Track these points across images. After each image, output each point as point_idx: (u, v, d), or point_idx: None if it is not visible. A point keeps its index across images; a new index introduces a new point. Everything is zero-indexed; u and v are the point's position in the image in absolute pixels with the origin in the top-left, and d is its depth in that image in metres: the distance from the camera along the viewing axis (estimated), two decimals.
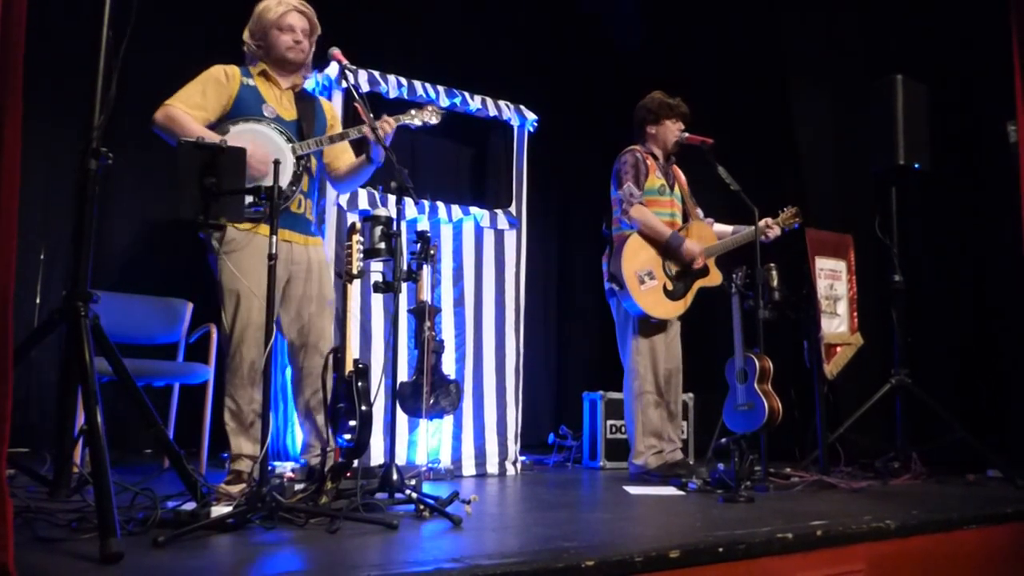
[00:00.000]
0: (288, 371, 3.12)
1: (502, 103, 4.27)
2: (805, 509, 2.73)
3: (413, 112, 3.14)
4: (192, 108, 2.83)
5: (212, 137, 2.66)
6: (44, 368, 4.06)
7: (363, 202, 3.74)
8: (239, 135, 2.82)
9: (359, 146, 3.16)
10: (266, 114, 2.93)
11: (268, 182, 2.72)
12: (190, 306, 4.07)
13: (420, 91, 3.98)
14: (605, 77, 6.32)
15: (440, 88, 4.07)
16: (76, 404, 2.18)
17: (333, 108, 3.27)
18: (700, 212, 4.17)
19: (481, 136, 4.63)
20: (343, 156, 3.19)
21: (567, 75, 6.27)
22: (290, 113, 3.00)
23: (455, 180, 4.93)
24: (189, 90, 2.87)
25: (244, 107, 2.90)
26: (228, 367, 2.82)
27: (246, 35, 3.04)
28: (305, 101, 3.08)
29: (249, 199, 2.62)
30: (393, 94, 3.89)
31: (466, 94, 4.13)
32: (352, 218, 3.56)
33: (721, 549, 2.00)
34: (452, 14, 5.73)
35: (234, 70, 2.97)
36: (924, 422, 4.05)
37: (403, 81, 3.95)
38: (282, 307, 2.95)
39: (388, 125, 2.98)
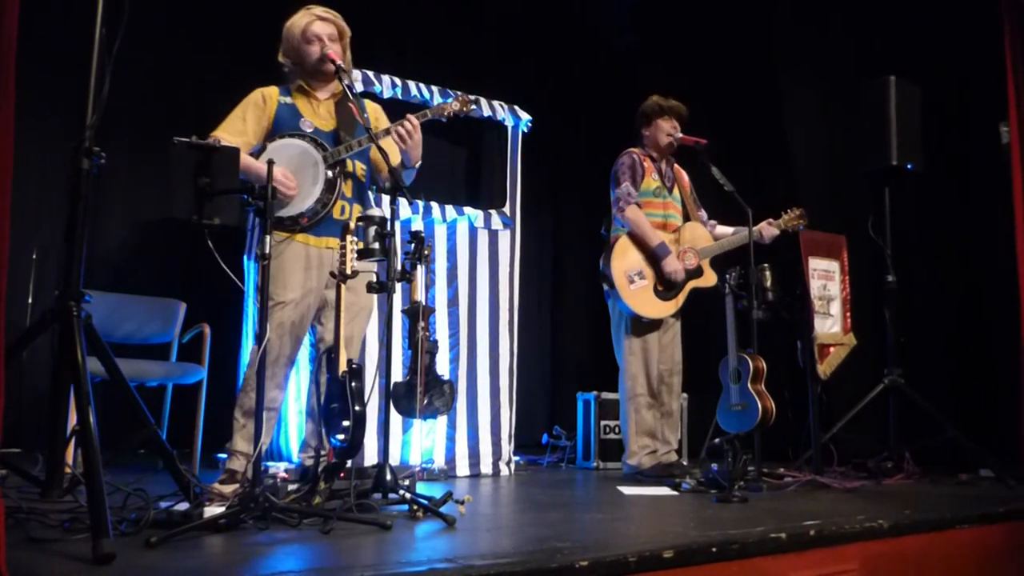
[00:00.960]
0: (294, 373, 3.14)
1: (496, 103, 4.27)
2: (798, 509, 2.74)
3: (440, 104, 3.17)
4: (234, 135, 2.90)
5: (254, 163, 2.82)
6: (36, 368, 4.05)
7: None
8: (270, 153, 2.89)
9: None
10: (304, 128, 2.99)
11: (300, 206, 2.88)
12: (183, 306, 4.05)
13: (414, 91, 3.97)
14: (599, 78, 6.32)
15: (434, 88, 4.06)
16: (68, 404, 2.17)
17: (377, 109, 3.27)
18: (704, 214, 4.17)
19: (475, 136, 4.63)
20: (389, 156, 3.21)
21: (562, 75, 6.27)
22: (328, 124, 3.06)
23: (449, 180, 4.92)
24: (230, 118, 2.96)
25: (282, 125, 2.98)
26: (250, 364, 2.87)
27: (280, 55, 3.10)
28: (345, 108, 3.09)
29: (290, 212, 2.84)
30: (387, 94, 3.88)
31: (461, 94, 4.12)
32: None
33: (715, 549, 2.00)
34: (447, 14, 5.72)
35: (272, 91, 3.04)
36: (917, 422, 4.05)
37: (397, 81, 3.95)
38: (322, 313, 3.02)
39: (410, 129, 2.98)
